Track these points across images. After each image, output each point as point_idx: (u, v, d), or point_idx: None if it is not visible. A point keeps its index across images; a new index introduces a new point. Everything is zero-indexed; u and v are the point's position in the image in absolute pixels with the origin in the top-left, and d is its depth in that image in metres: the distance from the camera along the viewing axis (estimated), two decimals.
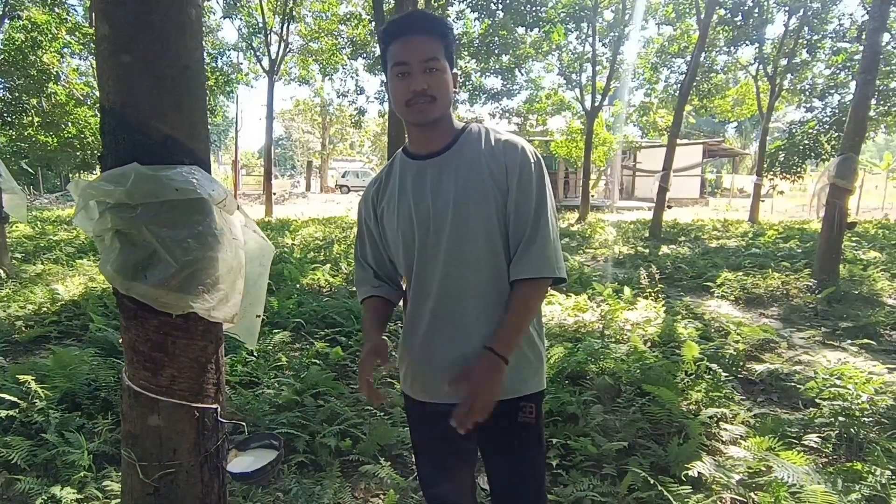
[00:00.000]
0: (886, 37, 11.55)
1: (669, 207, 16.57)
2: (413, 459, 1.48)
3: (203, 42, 1.33)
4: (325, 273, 6.04)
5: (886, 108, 13.04)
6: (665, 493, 2.07)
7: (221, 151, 43.13)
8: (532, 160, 1.20)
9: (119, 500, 2.05)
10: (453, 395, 1.18)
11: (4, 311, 4.38)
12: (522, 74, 17.68)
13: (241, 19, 15.61)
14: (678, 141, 11.95)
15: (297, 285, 5.58)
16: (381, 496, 2.24)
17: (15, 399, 2.62)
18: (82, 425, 2.54)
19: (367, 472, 2.32)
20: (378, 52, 13.01)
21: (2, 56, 13.25)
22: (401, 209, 1.23)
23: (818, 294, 5.38)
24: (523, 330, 1.19)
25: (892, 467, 2.20)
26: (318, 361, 3.47)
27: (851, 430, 2.52)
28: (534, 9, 12.17)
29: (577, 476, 2.30)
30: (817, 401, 2.90)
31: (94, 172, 20.10)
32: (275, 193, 19.25)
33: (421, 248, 1.21)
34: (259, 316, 1.60)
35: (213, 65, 15.57)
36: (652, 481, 2.13)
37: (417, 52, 1.15)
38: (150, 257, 1.17)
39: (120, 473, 2.20)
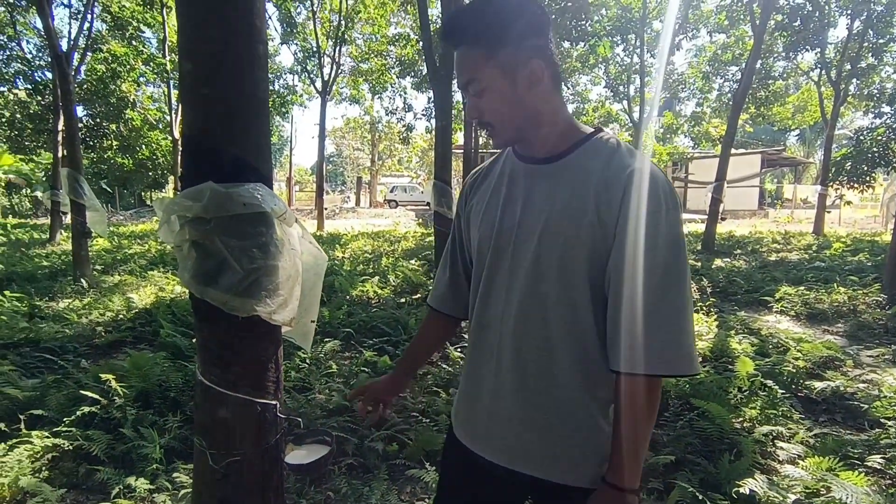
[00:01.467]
0: None
1: (723, 219, 15.92)
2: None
3: (268, 72, 1.48)
4: (374, 285, 6.23)
5: None
6: None
7: (276, 169, 45.17)
8: (664, 205, 0.86)
9: (186, 492, 2.22)
10: (497, 456, 1.00)
11: (87, 317, 4.81)
12: (569, 88, 17.62)
13: (296, 44, 16.45)
14: (734, 151, 11.52)
15: (347, 296, 5.78)
16: (426, 499, 2.31)
17: (97, 396, 2.88)
18: (155, 422, 2.76)
19: (412, 476, 2.41)
20: (425, 70, 13.39)
21: (85, 86, 14.57)
22: (488, 211, 1.03)
23: (888, 310, 5.04)
24: (645, 444, 0.89)
25: None
26: (366, 369, 3.61)
27: None
28: (580, 23, 12.16)
29: None
30: (882, 420, 2.75)
31: (163, 191, 21.62)
32: (326, 208, 19.95)
33: (492, 266, 1.00)
34: (313, 321, 1.73)
35: (271, 88, 16.48)
36: (701, 497, 2.10)
37: (459, 72, 0.96)
38: (221, 265, 1.31)
39: (187, 467, 2.39)
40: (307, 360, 3.70)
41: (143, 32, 15.28)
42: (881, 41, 12.93)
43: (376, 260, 8.56)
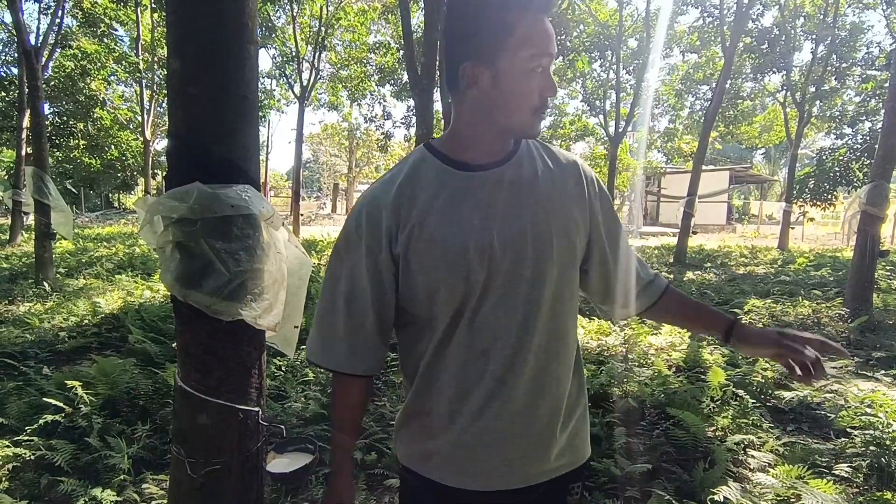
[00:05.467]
0: None
1: (695, 233, 16.34)
2: None
3: (258, 73, 1.46)
4: None
5: None
6: None
7: None
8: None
9: (156, 503, 2.14)
10: (520, 478, 0.94)
11: (49, 322, 4.61)
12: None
13: (275, 48, 16.31)
14: (704, 167, 11.91)
15: None
16: None
17: (60, 404, 2.76)
18: (122, 431, 2.66)
19: (391, 485, 2.37)
20: (406, 78, 13.39)
21: (53, 83, 14.11)
22: (449, 236, 0.87)
23: (850, 323, 5.25)
24: None
25: None
26: None
27: (883, 459, 2.47)
28: (559, 38, 12.42)
29: (600, 497, 2.30)
30: (848, 430, 2.84)
31: (132, 192, 21.01)
32: (302, 214, 19.71)
33: (484, 291, 0.88)
34: (296, 327, 1.70)
35: None
36: None
37: (552, 41, 0.85)
38: (206, 268, 1.28)
39: (157, 478, 2.31)
40: (283, 368, 3.63)
41: (116, 30, 14.92)
42: (844, 65, 13.61)
43: None
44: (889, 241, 16.45)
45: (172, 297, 1.32)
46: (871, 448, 2.56)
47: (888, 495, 2.14)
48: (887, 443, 2.54)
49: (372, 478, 2.47)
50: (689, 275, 9.01)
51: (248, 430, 1.36)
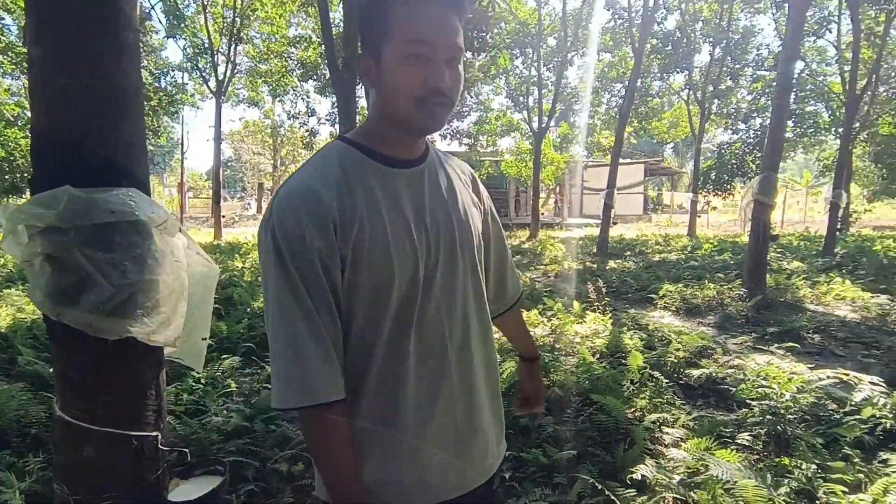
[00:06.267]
0: (800, 65, 12.74)
1: (615, 224, 17.27)
2: None
3: (141, 63, 1.33)
4: None
5: (803, 129, 14.26)
6: (612, 497, 2.15)
7: (167, 173, 41.51)
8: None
9: None
10: (487, 470, 0.97)
11: None
12: (472, 97, 18.15)
13: (185, 39, 15.27)
14: (621, 160, 12.59)
15: (248, 309, 5.42)
16: None
17: None
18: (12, 464, 2.37)
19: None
20: (328, 74, 13.03)
21: None
22: (394, 233, 0.83)
23: (748, 302, 5.74)
24: None
25: (817, 461, 2.37)
26: (268, 385, 3.38)
27: (778, 427, 2.71)
28: (480, 34, 12.60)
29: (529, 486, 2.34)
30: (748, 402, 3.10)
31: (23, 196, 18.91)
32: (224, 216, 18.68)
33: (426, 286, 0.86)
34: (205, 339, 1.58)
35: (156, 85, 15.11)
36: (600, 487, 2.21)
37: (445, 32, 0.81)
38: (84, 281, 1.14)
39: None
40: (202, 381, 3.40)
41: (3, 18, 13.33)
42: (737, 66, 14.89)
43: None
44: (779, 225, 18.26)
45: (45, 318, 1.17)
46: (768, 417, 2.80)
47: (785, 461, 2.35)
48: (781, 411, 2.80)
49: (299, 490, 2.36)
50: (612, 263, 9.49)
51: (144, 458, 1.24)
